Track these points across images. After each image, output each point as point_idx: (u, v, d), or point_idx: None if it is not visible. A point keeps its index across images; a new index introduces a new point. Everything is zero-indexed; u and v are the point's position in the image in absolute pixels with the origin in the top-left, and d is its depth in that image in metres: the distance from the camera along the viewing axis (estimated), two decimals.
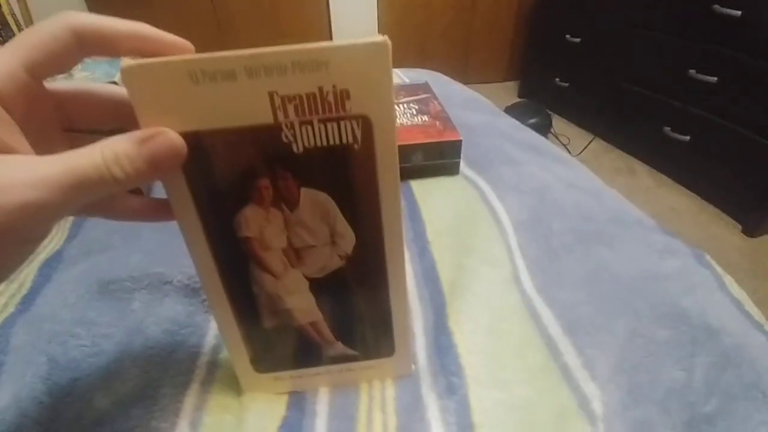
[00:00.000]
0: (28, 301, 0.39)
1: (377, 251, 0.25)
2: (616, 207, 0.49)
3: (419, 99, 0.65)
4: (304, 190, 0.23)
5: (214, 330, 0.35)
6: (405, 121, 0.59)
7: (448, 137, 0.54)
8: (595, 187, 0.53)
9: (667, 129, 1.56)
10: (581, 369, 0.30)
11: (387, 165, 0.22)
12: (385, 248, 0.25)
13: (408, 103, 0.64)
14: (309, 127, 0.21)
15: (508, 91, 2.49)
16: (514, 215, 0.46)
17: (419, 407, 0.29)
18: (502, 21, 2.52)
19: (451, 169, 0.55)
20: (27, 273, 0.42)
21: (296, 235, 0.24)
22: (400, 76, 0.93)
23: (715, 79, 1.39)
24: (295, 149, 0.21)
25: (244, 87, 0.19)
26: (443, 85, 0.90)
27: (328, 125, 0.21)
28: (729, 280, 0.40)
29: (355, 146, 0.21)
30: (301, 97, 0.20)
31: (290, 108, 0.20)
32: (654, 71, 1.61)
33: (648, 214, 0.49)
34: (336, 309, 0.27)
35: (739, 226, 1.43)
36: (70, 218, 0.50)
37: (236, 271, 0.25)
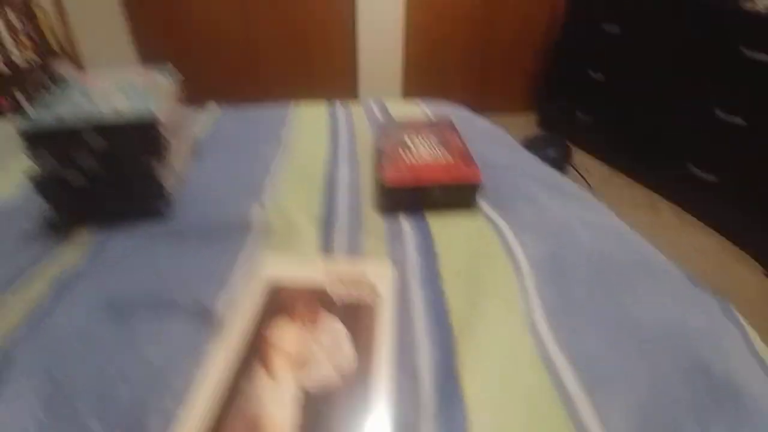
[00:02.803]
0: (37, 317, 0.39)
1: (369, 375, 0.30)
2: (640, 251, 0.48)
3: (440, 132, 0.65)
4: (328, 319, 0.34)
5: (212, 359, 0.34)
6: (424, 154, 0.58)
7: (469, 178, 0.53)
8: (618, 228, 0.52)
9: (691, 167, 1.53)
10: (598, 428, 0.29)
11: (385, 318, 0.35)
12: (376, 375, 0.30)
13: (428, 136, 0.64)
14: (343, 290, 0.38)
15: (528, 122, 2.49)
16: (531, 255, 0.45)
17: None
18: (522, 52, 2.54)
19: (469, 204, 0.55)
20: (40, 289, 0.43)
21: (309, 346, 0.31)
22: (422, 107, 0.94)
23: (740, 119, 1.37)
24: (331, 298, 0.37)
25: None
26: (465, 119, 0.91)
27: (356, 292, 0.37)
28: (754, 335, 0.38)
29: (367, 304, 0.36)
30: (344, 280, 0.39)
31: (337, 282, 0.39)
32: (680, 109, 1.60)
33: (669, 252, 0.47)
34: (315, 428, 0.26)
35: (761, 268, 1.38)
36: (88, 238, 0.51)
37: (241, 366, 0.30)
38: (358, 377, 0.30)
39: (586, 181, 1.78)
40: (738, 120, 1.38)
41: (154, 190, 0.54)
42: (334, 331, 0.33)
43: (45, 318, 0.39)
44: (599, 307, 0.39)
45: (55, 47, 1.91)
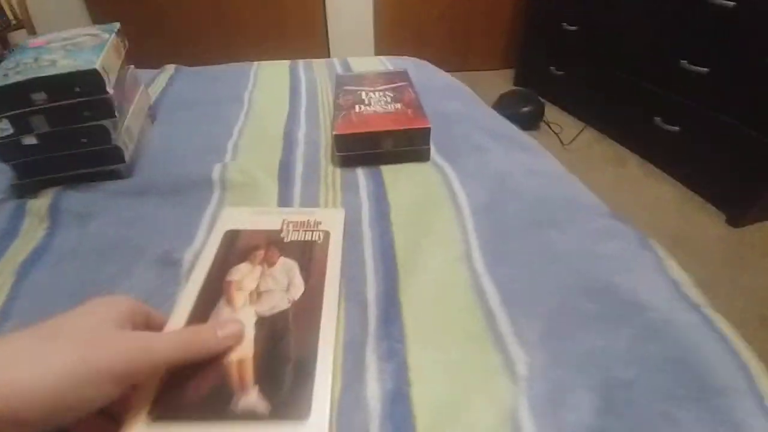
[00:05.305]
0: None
1: (317, 299, 0.34)
2: (572, 193, 0.52)
3: (395, 87, 0.67)
4: (282, 258, 0.38)
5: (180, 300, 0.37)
6: (378, 108, 0.61)
7: (417, 125, 0.56)
8: (556, 173, 0.56)
9: (657, 119, 1.58)
10: (512, 335, 0.34)
11: (334, 251, 0.39)
12: (323, 298, 0.34)
13: (384, 90, 0.66)
14: (297, 232, 0.41)
15: (505, 79, 2.49)
16: (474, 200, 0.49)
17: (361, 369, 0.32)
18: (499, 8, 2.51)
19: (422, 156, 0.58)
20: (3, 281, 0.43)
21: (265, 282, 0.36)
22: (384, 62, 0.95)
23: (707, 70, 1.40)
24: (285, 240, 0.40)
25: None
26: (427, 73, 0.92)
27: (307, 232, 0.41)
28: (671, 264, 0.43)
29: (318, 241, 0.40)
30: (298, 223, 0.42)
31: (291, 226, 0.42)
32: (647, 61, 1.62)
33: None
34: (269, 345, 0.30)
35: (724, 216, 1.45)
36: (46, 201, 0.53)
37: (205, 305, 0.33)
38: (307, 301, 0.34)
39: (558, 137, 1.82)
40: (701, 69, 1.42)
41: (110, 151, 0.55)
42: (287, 267, 0.37)
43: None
44: (526, 239, 0.43)
45: (10, 18, 1.82)
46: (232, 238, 0.40)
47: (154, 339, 0.26)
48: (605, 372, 0.32)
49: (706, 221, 1.45)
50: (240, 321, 0.31)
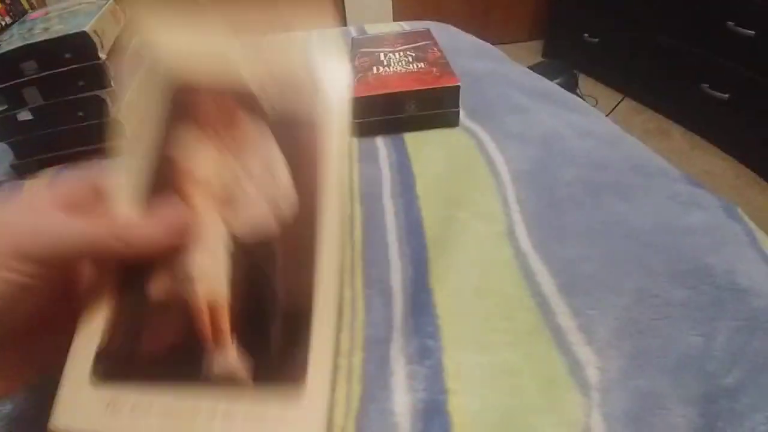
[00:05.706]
0: None
1: (310, 216, 0.21)
2: (637, 156, 0.43)
3: (417, 46, 0.59)
4: (261, 143, 0.22)
5: None
6: (399, 68, 0.53)
7: (445, 83, 0.48)
8: (614, 134, 0.47)
9: (704, 86, 1.43)
10: (576, 332, 0.26)
11: (337, 133, 0.23)
12: (318, 216, 0.21)
13: (405, 50, 0.58)
14: (278, 93, 0.24)
15: (532, 51, 2.34)
16: (514, 166, 0.41)
17: (385, 373, 0.25)
18: None
19: (450, 120, 0.50)
20: None
21: (235, 177, 0.22)
22: (403, 26, 0.87)
23: (753, 32, 1.25)
24: (263, 106, 0.23)
25: None
26: (451, 34, 0.83)
27: (294, 94, 0.24)
28: (762, 236, 0.35)
29: (310, 116, 0.23)
30: (278, 74, 0.25)
31: (268, 80, 0.24)
32: (691, 22, 1.47)
33: None
34: (249, 286, 0.20)
35: None
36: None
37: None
38: (300, 220, 0.21)
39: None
40: (748, 31, 1.27)
41: (110, 125, 0.50)
42: (270, 159, 0.22)
43: None
44: (584, 211, 0.35)
45: (26, 5, 1.81)
46: (177, 93, 0.24)
47: (61, 219, 0.19)
48: (703, 378, 0.25)
49: (758, 197, 1.32)
50: (184, 208, 0.21)
